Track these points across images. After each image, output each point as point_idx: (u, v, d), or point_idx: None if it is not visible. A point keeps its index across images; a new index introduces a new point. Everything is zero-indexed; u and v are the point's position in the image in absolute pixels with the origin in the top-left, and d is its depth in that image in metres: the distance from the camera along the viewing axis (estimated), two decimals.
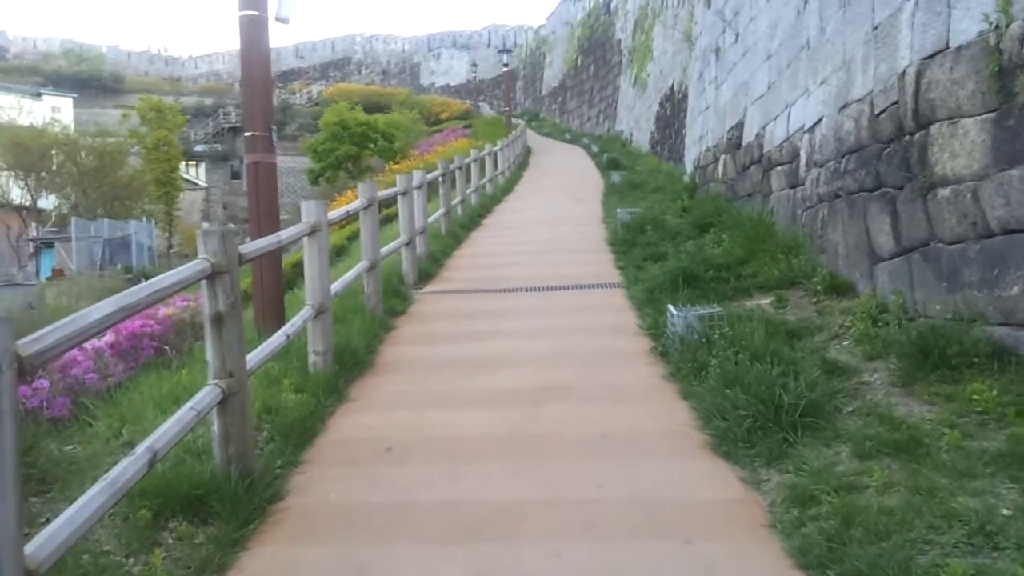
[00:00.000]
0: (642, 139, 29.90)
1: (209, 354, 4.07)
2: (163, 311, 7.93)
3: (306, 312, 5.76)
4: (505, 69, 42.52)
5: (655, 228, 11.66)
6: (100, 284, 19.59)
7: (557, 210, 16.66)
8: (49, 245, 31.51)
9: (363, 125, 30.08)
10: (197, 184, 55.02)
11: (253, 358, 4.50)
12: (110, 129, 36.35)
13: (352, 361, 6.29)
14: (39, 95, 65.08)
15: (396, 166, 24.59)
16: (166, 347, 7.76)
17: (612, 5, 40.18)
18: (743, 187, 11.78)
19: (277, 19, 7.36)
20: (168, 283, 3.47)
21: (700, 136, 15.63)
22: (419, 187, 10.79)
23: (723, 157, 13.38)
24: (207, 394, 3.88)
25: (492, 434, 4.84)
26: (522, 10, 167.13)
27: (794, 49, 9.42)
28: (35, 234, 35.66)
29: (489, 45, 74.32)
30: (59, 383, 5.89)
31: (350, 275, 7.27)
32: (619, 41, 38.79)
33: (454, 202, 14.38)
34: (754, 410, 4.54)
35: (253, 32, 7.19)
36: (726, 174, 12.98)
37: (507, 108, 41.50)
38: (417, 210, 10.85)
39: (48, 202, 37.10)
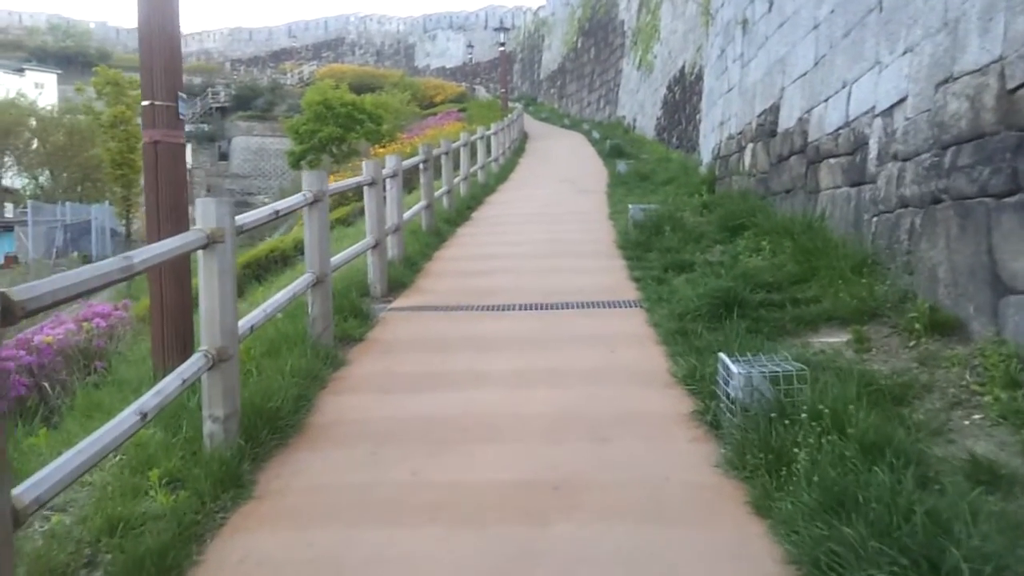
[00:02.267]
0: (647, 125, 28.00)
1: None
2: (40, 337, 6.07)
3: (194, 364, 3.90)
4: (502, 49, 40.49)
5: (674, 228, 9.80)
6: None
7: (557, 203, 14.76)
8: (9, 229, 29.50)
9: (348, 105, 28.00)
10: None
11: (49, 478, 2.62)
12: (80, 106, 34.20)
13: (271, 427, 4.42)
14: (21, 71, 62.73)
15: (382, 149, 22.66)
16: (46, 384, 5.92)
17: None
18: (779, 182, 9.93)
19: None
20: None
21: (721, 122, 13.75)
22: (393, 175, 8.90)
23: (751, 146, 11.53)
24: None
25: None
26: None
27: (856, 13, 7.55)
28: (9, 215, 33.63)
29: (486, 27, 72.12)
30: None
31: (281, 297, 5.39)
32: (622, 22, 36.82)
33: (438, 192, 12.47)
34: (893, 566, 2.71)
35: None
36: (755, 166, 11.13)
37: (503, 90, 39.48)
38: (390, 203, 8.97)
39: (19, 182, 35.00)
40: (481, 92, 63.12)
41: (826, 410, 3.73)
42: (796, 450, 3.62)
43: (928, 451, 3.67)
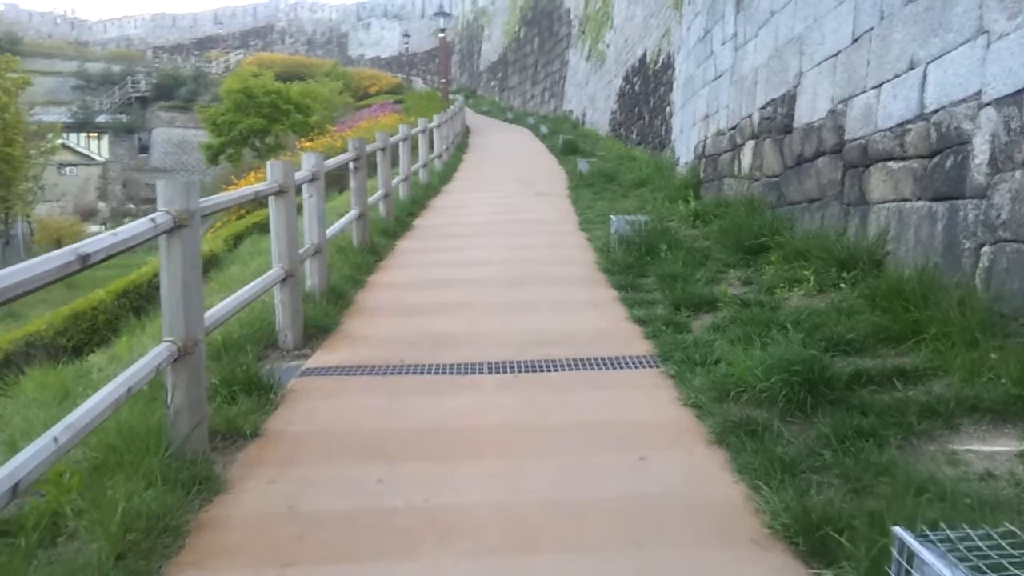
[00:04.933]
0: (599, 120, 26.10)
1: None
2: None
3: None
4: (441, 35, 38.08)
5: (672, 247, 7.80)
6: None
7: (515, 208, 12.62)
8: None
9: (272, 94, 25.28)
10: (93, 159, 49.22)
11: None
12: None
13: None
14: None
15: (309, 143, 20.20)
16: None
17: None
18: (799, 189, 8.01)
19: None
20: None
21: (705, 115, 11.82)
22: (312, 180, 6.69)
23: (751, 144, 9.61)
24: None
25: None
26: None
27: None
28: None
29: (423, 15, 69.57)
30: None
31: (94, 405, 3.13)
32: (568, 10, 34.86)
33: (374, 197, 10.22)
34: None
35: None
36: (761, 168, 9.20)
37: (444, 80, 37.10)
38: (309, 217, 6.77)
39: None
40: (418, 83, 60.74)
41: None
42: None
43: None
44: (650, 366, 5.17)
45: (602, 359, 5.33)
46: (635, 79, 20.73)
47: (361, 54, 74.44)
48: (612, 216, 8.76)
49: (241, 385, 4.68)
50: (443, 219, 12.02)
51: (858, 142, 6.74)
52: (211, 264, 10.91)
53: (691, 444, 3.96)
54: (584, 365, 5.26)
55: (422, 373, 5.21)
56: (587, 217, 11.14)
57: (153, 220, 3.53)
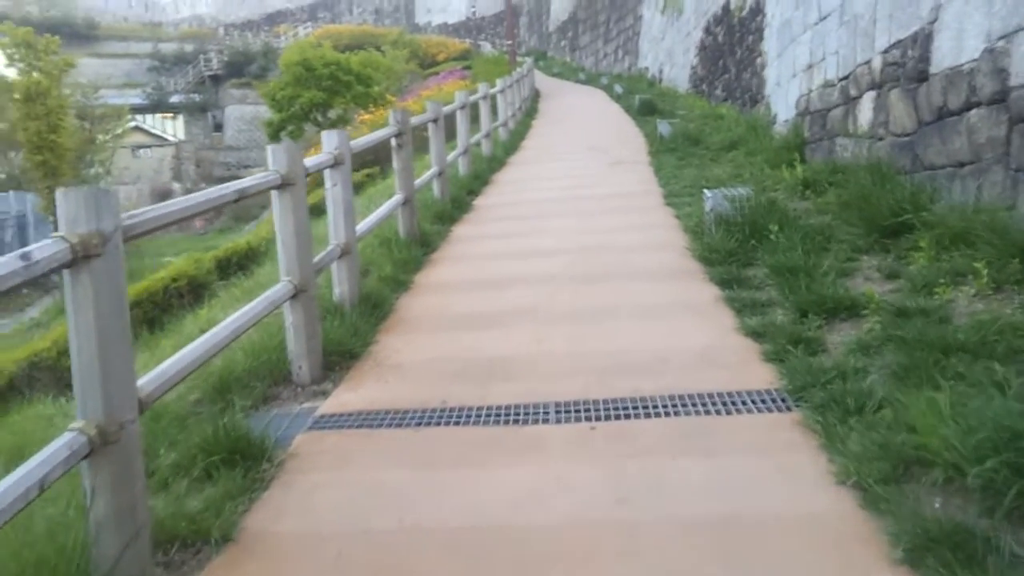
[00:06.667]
0: (678, 76, 24.23)
1: None
2: None
3: None
4: None
5: (783, 227, 6.29)
6: None
7: (589, 182, 11.13)
8: None
9: (332, 66, 24.05)
10: (166, 139, 49.29)
11: None
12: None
13: None
14: None
15: (368, 116, 18.99)
16: None
17: None
18: (941, 151, 6.40)
19: None
20: None
21: (808, 64, 10.13)
22: (335, 165, 5.42)
23: (871, 95, 7.97)
24: None
25: None
26: None
27: None
28: None
29: None
30: None
31: None
32: None
33: (423, 178, 8.88)
34: None
35: None
36: (886, 124, 7.58)
37: (511, 42, 35.44)
38: (333, 211, 5.52)
39: None
40: (487, 48, 59.04)
41: None
42: None
43: None
44: (778, 408, 3.76)
45: (710, 396, 3.94)
46: (717, 29, 18.87)
47: (428, 21, 73.03)
48: (706, 190, 7.26)
49: (224, 453, 3.47)
50: (507, 196, 10.64)
51: None
52: (248, 259, 9.80)
53: (865, 568, 2.56)
54: (685, 407, 3.88)
55: (467, 422, 3.91)
56: (672, 189, 9.62)
57: (26, 257, 2.28)
